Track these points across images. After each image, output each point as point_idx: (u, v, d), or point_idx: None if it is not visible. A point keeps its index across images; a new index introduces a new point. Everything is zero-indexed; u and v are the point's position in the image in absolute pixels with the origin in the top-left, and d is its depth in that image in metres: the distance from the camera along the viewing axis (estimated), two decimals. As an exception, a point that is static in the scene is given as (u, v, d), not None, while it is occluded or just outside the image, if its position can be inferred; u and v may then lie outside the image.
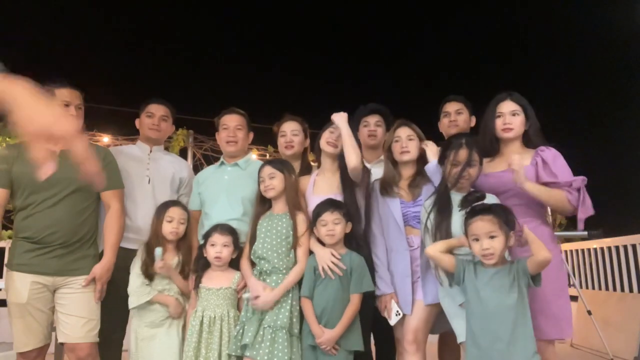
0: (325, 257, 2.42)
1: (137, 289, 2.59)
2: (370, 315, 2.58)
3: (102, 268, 2.57)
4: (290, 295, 2.46)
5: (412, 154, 2.60)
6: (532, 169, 2.48)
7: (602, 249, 5.39)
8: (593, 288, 5.53)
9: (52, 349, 2.69)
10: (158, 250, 2.60)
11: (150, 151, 3.03)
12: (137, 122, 3.11)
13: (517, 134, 2.56)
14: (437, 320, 2.50)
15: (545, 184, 2.46)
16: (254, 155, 5.92)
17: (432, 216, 2.38)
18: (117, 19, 10.08)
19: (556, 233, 5.52)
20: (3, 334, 3.38)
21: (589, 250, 5.67)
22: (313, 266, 2.45)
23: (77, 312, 2.50)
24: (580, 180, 2.46)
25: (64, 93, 2.59)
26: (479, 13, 10.99)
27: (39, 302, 2.48)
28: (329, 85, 10.28)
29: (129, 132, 5.88)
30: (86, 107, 2.71)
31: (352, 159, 2.50)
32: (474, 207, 2.16)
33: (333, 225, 2.43)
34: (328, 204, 2.47)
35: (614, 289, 5.15)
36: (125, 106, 6.01)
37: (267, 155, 6.33)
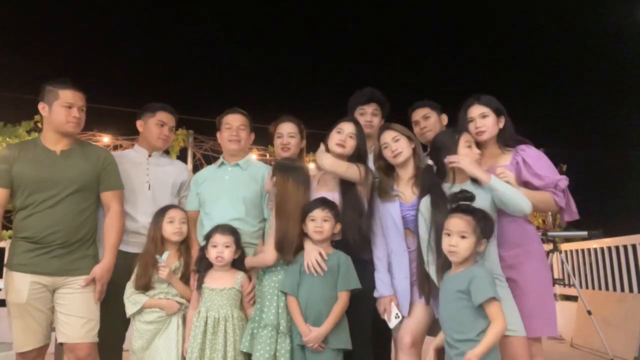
0: (312, 254, 2.42)
1: (128, 297, 2.62)
2: (370, 315, 2.58)
3: (102, 269, 2.57)
4: (277, 292, 2.47)
5: (404, 153, 2.59)
6: (511, 168, 2.51)
7: (602, 249, 5.39)
8: (593, 288, 5.52)
9: (52, 349, 2.69)
10: (164, 255, 2.61)
11: (149, 156, 3.02)
12: (139, 123, 3.03)
13: (491, 135, 2.59)
14: (436, 323, 2.49)
15: (527, 183, 2.50)
16: (254, 156, 5.92)
17: (428, 223, 2.38)
18: (117, 19, 10.08)
19: (556, 233, 5.60)
20: (3, 334, 3.37)
21: (589, 250, 5.67)
22: (299, 263, 2.46)
23: (76, 312, 2.50)
24: (565, 180, 2.50)
25: (68, 95, 2.58)
26: (476, 11, 11.00)
27: (38, 302, 2.48)
28: (330, 85, 10.28)
29: (129, 132, 5.87)
30: (86, 107, 2.70)
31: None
32: (460, 205, 2.19)
33: (322, 222, 2.45)
34: (319, 202, 2.50)
35: (614, 289, 5.15)
36: (125, 106, 6.00)
37: (267, 155, 6.32)
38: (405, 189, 2.60)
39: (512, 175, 2.43)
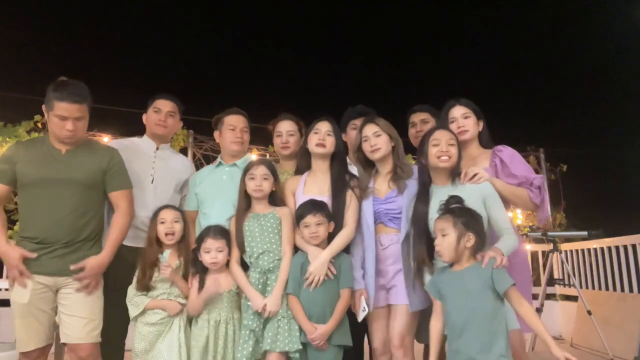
0: (321, 270, 2.44)
1: (130, 300, 2.60)
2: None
3: (94, 260, 2.52)
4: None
5: (382, 150, 2.60)
6: (491, 170, 2.58)
7: (602, 249, 5.39)
8: (593, 288, 5.53)
9: (52, 348, 2.69)
10: (165, 255, 2.60)
11: (157, 148, 3.03)
12: (144, 117, 3.10)
13: (473, 135, 2.69)
14: (424, 330, 2.46)
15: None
16: (253, 156, 5.92)
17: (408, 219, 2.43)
18: (117, 19, 10.09)
19: (556, 233, 5.60)
20: (5, 333, 3.38)
21: (589, 250, 5.68)
22: (300, 264, 2.47)
23: (78, 313, 2.50)
24: (540, 179, 2.56)
25: (62, 107, 2.47)
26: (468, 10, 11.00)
27: (41, 302, 2.48)
28: (329, 85, 10.30)
29: (129, 132, 5.83)
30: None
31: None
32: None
33: (316, 227, 2.46)
34: (310, 206, 2.50)
35: (614, 289, 5.16)
36: (125, 106, 6.00)
37: (267, 155, 6.31)
38: (382, 184, 2.63)
39: (487, 175, 2.46)
